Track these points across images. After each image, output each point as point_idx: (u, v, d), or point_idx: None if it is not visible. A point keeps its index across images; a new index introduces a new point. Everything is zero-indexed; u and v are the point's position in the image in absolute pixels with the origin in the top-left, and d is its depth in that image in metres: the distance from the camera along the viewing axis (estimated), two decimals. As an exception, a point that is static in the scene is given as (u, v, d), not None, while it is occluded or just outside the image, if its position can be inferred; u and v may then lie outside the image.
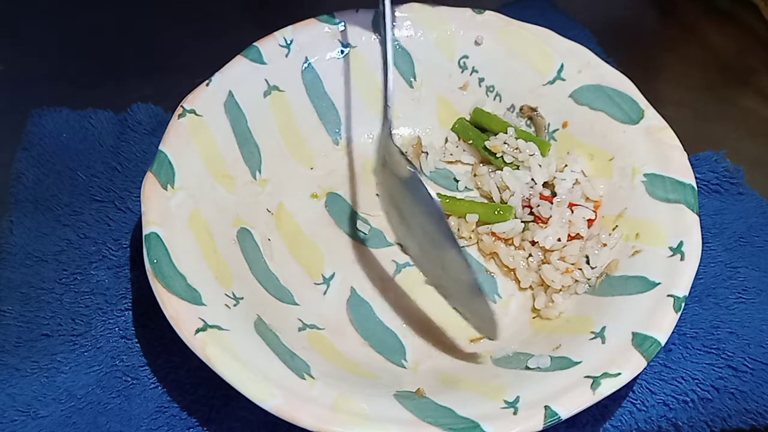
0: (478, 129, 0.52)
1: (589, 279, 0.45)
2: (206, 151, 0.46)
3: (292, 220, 0.49)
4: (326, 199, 0.51)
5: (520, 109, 0.52)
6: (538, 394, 0.36)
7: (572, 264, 0.45)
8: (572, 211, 0.47)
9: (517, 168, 0.49)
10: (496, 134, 0.51)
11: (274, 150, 0.50)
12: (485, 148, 0.50)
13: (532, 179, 0.48)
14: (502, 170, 0.49)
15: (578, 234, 0.46)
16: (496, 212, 0.48)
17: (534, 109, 0.51)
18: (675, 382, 0.43)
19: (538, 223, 0.47)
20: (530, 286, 0.46)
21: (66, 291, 0.46)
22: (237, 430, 0.41)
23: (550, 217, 0.47)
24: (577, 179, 0.48)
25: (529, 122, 0.52)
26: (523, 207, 0.48)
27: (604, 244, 0.45)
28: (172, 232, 0.41)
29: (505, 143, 0.50)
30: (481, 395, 0.37)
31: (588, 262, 0.45)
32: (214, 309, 0.39)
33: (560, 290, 0.45)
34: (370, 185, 0.52)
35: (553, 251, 0.46)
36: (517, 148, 0.49)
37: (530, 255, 0.47)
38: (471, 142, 0.51)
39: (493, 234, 0.47)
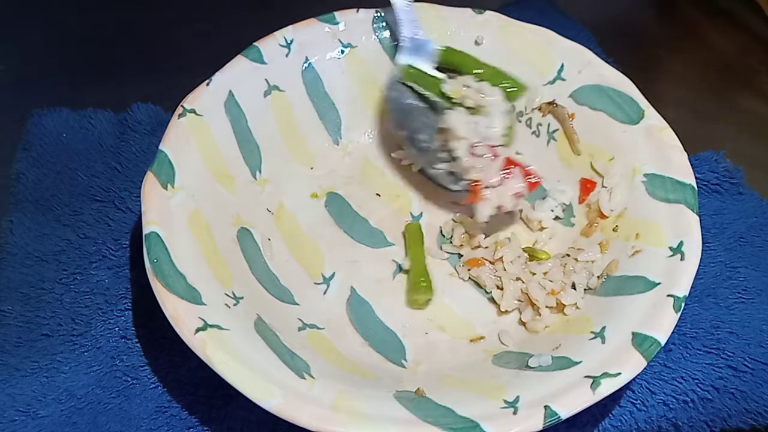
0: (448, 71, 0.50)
1: (575, 303, 0.44)
2: (206, 151, 0.46)
3: (293, 220, 0.49)
4: (326, 199, 0.51)
5: (539, 109, 0.51)
6: (538, 394, 0.36)
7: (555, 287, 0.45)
8: (508, 176, 0.45)
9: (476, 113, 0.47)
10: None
11: (274, 150, 0.50)
12: (442, 93, 0.48)
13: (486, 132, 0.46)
14: None
15: (502, 207, 0.45)
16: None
17: (551, 103, 0.50)
18: (675, 382, 0.43)
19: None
20: (518, 299, 0.46)
21: (66, 291, 0.46)
22: (237, 430, 0.41)
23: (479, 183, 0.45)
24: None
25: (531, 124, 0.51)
26: (470, 155, 0.46)
27: (592, 260, 0.45)
28: (172, 231, 0.41)
29: (465, 86, 0.47)
30: (480, 395, 0.37)
31: (573, 287, 0.44)
32: (214, 309, 0.39)
33: (547, 307, 0.44)
34: (370, 185, 0.52)
35: (535, 274, 0.46)
36: (480, 92, 0.47)
37: (518, 278, 0.46)
38: (423, 88, 0.49)
39: (476, 261, 0.47)
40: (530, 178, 0.46)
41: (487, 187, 0.46)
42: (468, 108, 0.47)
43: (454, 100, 0.48)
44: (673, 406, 0.42)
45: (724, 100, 0.64)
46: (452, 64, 0.51)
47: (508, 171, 0.46)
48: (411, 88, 0.50)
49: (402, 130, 0.50)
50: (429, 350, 0.44)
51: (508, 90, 0.48)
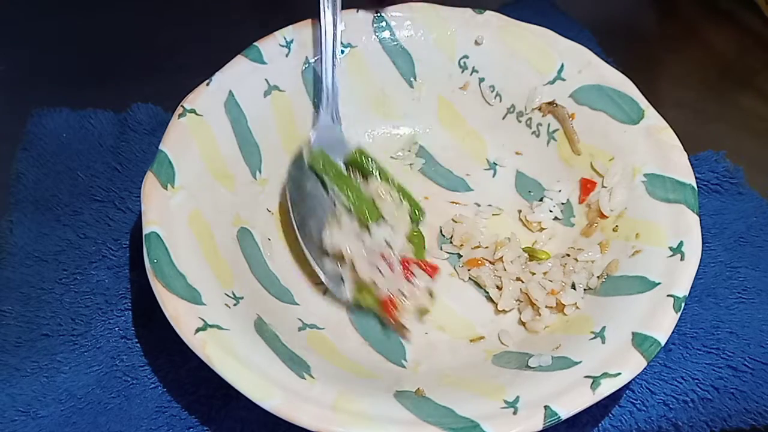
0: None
1: (575, 303, 0.44)
2: (206, 151, 0.46)
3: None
4: (326, 199, 0.51)
5: (539, 109, 0.51)
6: (538, 394, 0.36)
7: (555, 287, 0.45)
8: (410, 276, 0.44)
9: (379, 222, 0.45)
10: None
11: (274, 150, 0.50)
12: (358, 200, 0.45)
13: (388, 242, 0.44)
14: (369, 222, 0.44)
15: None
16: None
17: (551, 103, 0.50)
18: (675, 382, 0.43)
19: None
20: (518, 299, 0.46)
21: (66, 291, 0.46)
22: (237, 430, 0.41)
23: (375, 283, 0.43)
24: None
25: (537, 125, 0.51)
26: (368, 268, 0.44)
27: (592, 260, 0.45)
28: (172, 231, 0.41)
29: (379, 194, 0.46)
30: (480, 395, 0.37)
31: (573, 287, 0.44)
32: (214, 308, 0.39)
33: (547, 307, 0.44)
34: (370, 185, 0.52)
35: (535, 274, 0.46)
36: (391, 205, 0.45)
37: (518, 278, 0.46)
38: (332, 184, 0.46)
39: (476, 261, 0.47)
40: (428, 267, 0.44)
41: (399, 297, 0.43)
42: (369, 219, 0.44)
43: (373, 203, 0.45)
44: (673, 406, 0.42)
45: (724, 100, 0.64)
46: (361, 165, 0.47)
47: (408, 271, 0.44)
48: (317, 174, 0.47)
49: (296, 212, 0.46)
50: (429, 350, 0.44)
51: (412, 208, 0.46)
